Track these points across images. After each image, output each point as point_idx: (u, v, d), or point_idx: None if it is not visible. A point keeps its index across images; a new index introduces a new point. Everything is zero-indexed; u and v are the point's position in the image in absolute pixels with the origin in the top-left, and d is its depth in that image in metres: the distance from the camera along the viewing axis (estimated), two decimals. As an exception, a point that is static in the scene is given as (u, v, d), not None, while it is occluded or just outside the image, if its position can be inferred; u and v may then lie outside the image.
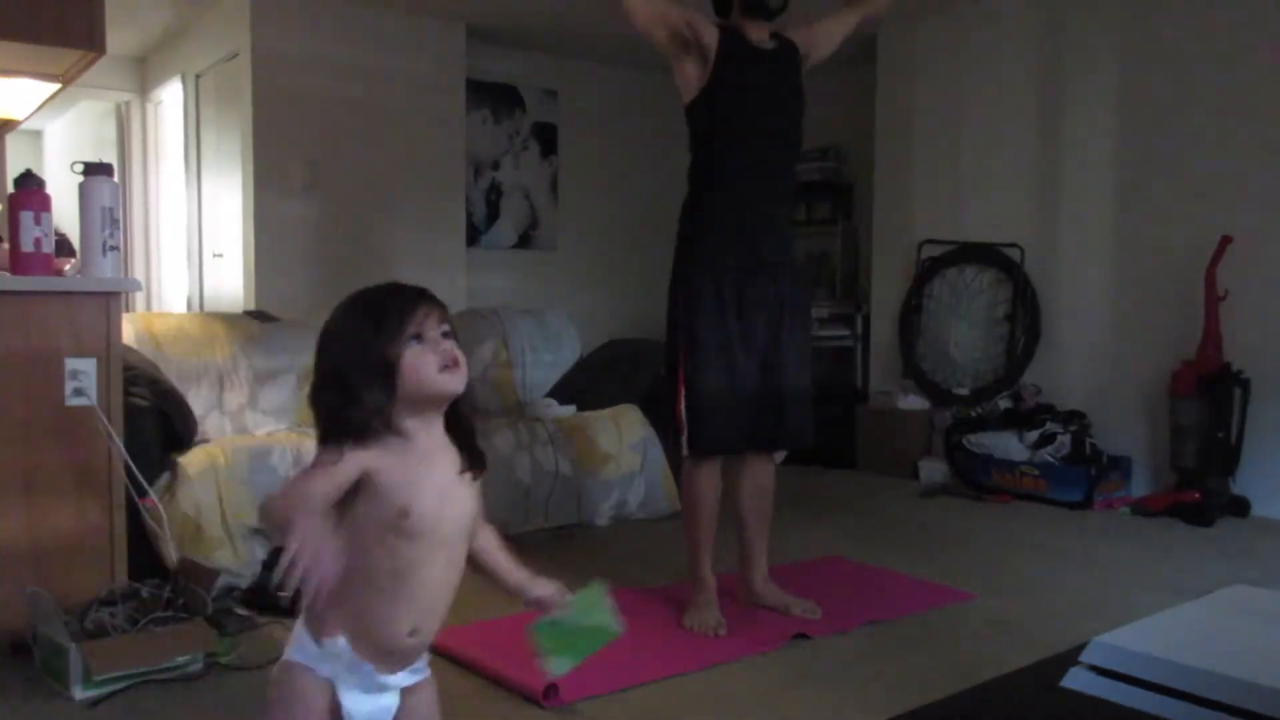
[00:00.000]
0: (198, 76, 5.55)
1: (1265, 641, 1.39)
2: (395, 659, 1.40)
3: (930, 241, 5.30)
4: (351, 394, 1.33)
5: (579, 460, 3.86)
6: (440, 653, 2.41)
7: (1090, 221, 4.72)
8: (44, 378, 2.44)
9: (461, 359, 1.38)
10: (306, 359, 3.72)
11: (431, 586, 1.40)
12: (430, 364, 1.35)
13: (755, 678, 2.34)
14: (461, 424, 1.45)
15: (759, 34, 2.73)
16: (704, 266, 2.69)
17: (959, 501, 4.51)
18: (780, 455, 2.98)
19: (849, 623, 2.69)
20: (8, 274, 2.47)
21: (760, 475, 2.85)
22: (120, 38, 5.51)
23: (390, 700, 1.42)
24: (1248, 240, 4.10)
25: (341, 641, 1.36)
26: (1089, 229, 4.72)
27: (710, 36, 2.66)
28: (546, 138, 6.11)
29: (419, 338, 1.36)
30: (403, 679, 1.42)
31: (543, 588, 1.55)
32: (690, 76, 2.75)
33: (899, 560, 3.40)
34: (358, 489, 1.33)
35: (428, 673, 1.47)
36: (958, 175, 5.23)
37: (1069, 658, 1.38)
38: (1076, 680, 1.34)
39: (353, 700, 1.39)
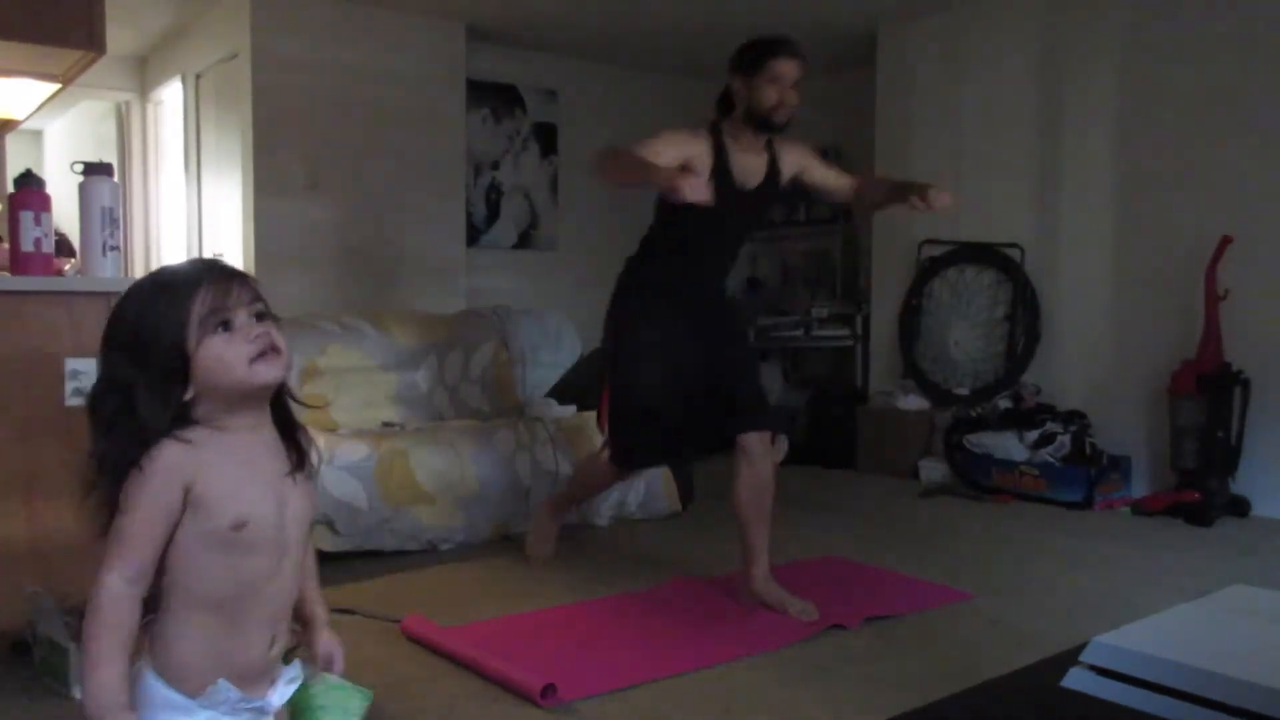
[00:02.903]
0: (198, 76, 5.55)
1: (1265, 641, 1.39)
2: (264, 679, 1.26)
3: (930, 241, 5.30)
4: (134, 398, 1.15)
5: (579, 460, 3.86)
6: (439, 653, 2.41)
7: (1090, 221, 4.72)
8: (44, 378, 2.44)
9: (281, 343, 1.23)
10: (306, 359, 3.73)
11: (282, 595, 1.26)
12: (240, 354, 1.19)
13: (755, 678, 2.34)
14: (283, 417, 1.28)
15: (754, 148, 2.84)
16: (639, 318, 2.94)
17: (959, 501, 4.51)
18: (781, 453, 2.99)
19: (848, 622, 2.68)
20: (8, 274, 2.47)
21: (760, 472, 2.85)
22: (120, 38, 5.51)
23: None
24: (1248, 240, 4.10)
25: (223, 683, 1.19)
26: (1089, 229, 4.72)
27: (699, 168, 2.71)
28: (546, 138, 6.11)
29: (226, 325, 1.19)
30: (282, 695, 1.28)
31: (321, 640, 1.36)
32: None
33: (899, 560, 3.40)
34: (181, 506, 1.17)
35: (298, 671, 1.32)
36: (958, 175, 5.23)
37: (1069, 658, 1.38)
38: (1076, 680, 1.34)
39: None
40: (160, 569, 1.18)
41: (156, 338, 1.18)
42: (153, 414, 1.16)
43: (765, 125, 2.79)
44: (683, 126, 2.80)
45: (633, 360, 2.91)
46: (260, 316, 1.23)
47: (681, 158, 2.68)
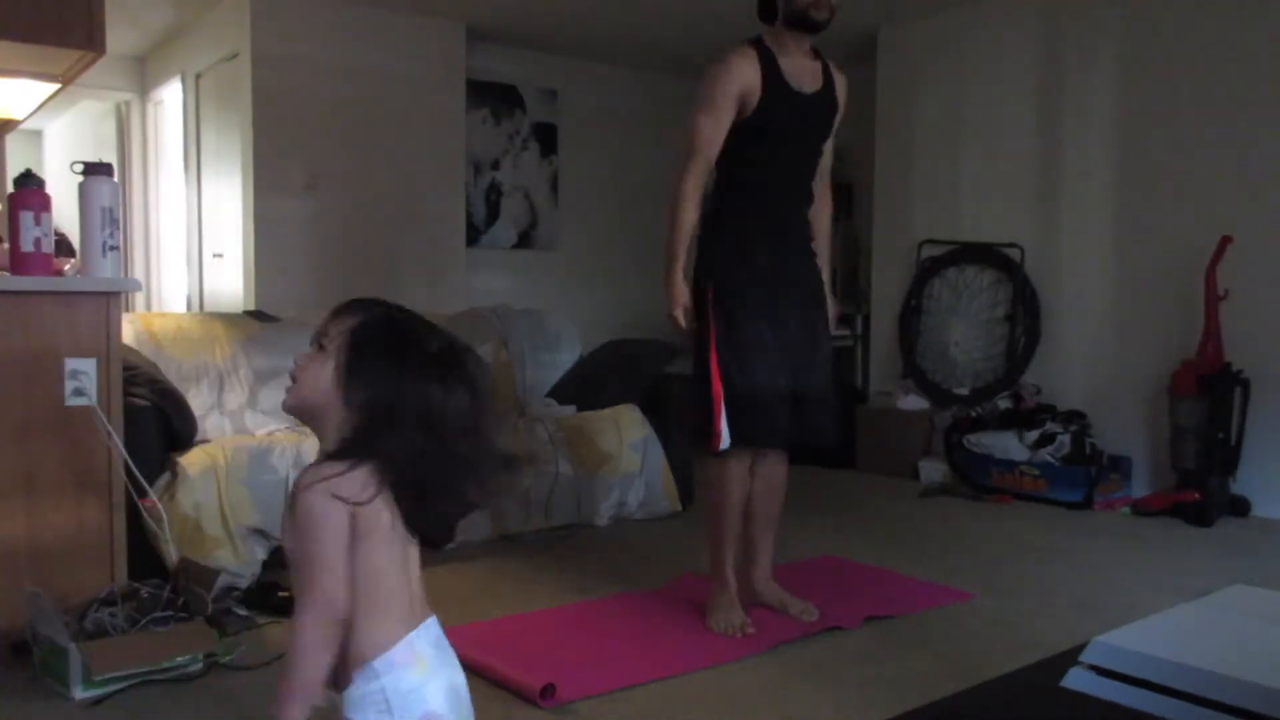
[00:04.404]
0: (198, 76, 5.55)
1: (1265, 641, 1.39)
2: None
3: (930, 241, 5.30)
4: None
5: (579, 460, 3.86)
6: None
7: (1090, 221, 4.72)
8: (44, 378, 2.44)
9: (295, 378, 1.28)
10: (306, 359, 3.73)
11: None
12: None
13: (755, 677, 2.34)
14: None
15: (800, 51, 2.74)
16: (734, 263, 2.71)
17: (959, 501, 4.51)
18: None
19: (848, 622, 2.68)
20: (8, 274, 2.47)
21: (774, 474, 2.85)
22: (120, 38, 5.51)
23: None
24: (1248, 240, 4.10)
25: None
26: (1089, 229, 4.72)
27: (753, 89, 2.66)
28: (546, 138, 6.11)
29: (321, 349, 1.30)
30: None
31: None
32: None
33: (899, 560, 3.40)
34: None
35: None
36: (958, 175, 5.23)
37: (1069, 658, 1.38)
38: (1076, 680, 1.34)
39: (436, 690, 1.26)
40: None
41: None
42: None
43: (805, 23, 2.68)
44: (726, 59, 2.67)
45: (738, 346, 2.68)
46: (321, 347, 1.28)
47: (740, 90, 2.64)
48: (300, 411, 1.29)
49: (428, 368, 1.24)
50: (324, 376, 1.25)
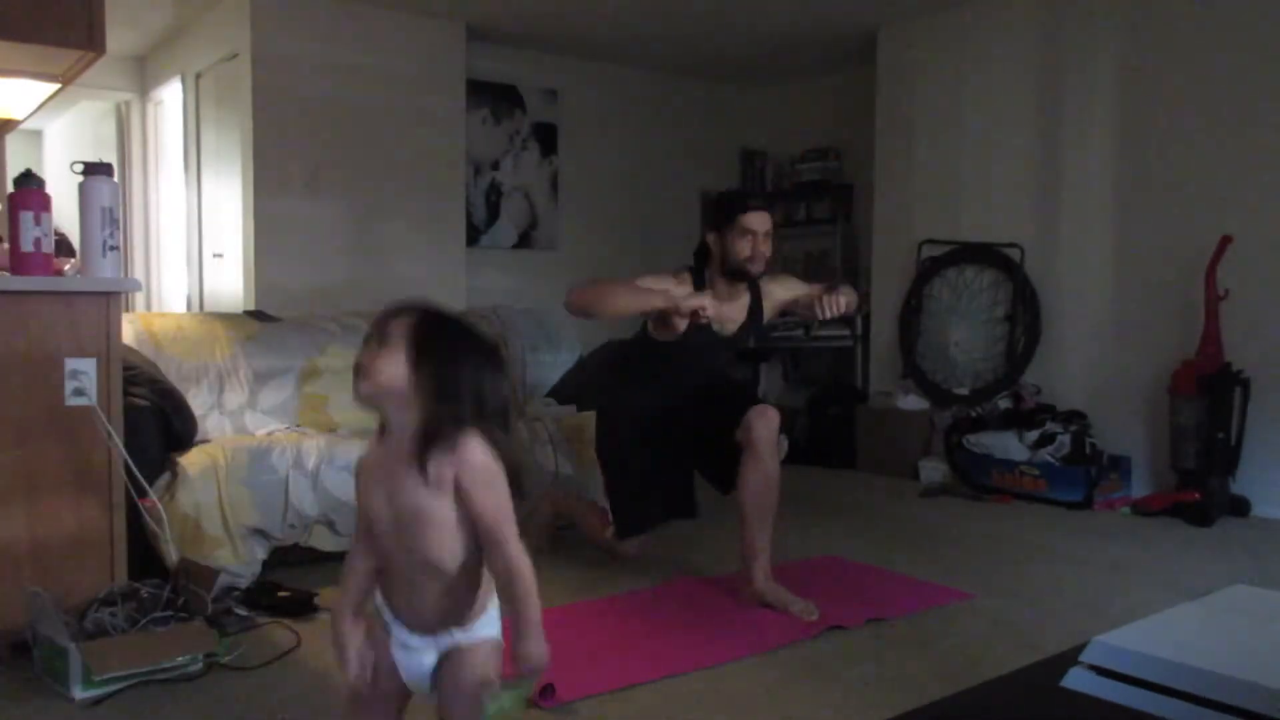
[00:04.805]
0: (198, 76, 5.55)
1: (1265, 641, 1.39)
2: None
3: (930, 241, 5.30)
4: None
5: (579, 460, 3.86)
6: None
7: (1090, 221, 4.72)
8: (44, 378, 2.44)
9: (368, 368, 1.43)
10: (306, 359, 3.73)
11: (408, 571, 1.51)
12: None
13: (755, 677, 2.34)
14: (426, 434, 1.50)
15: (731, 294, 3.00)
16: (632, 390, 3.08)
17: (959, 501, 4.51)
18: (782, 453, 2.99)
19: (849, 622, 2.69)
20: (8, 274, 2.47)
21: (765, 470, 2.86)
22: (120, 38, 5.51)
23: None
24: (1248, 240, 4.10)
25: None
26: (1089, 229, 4.72)
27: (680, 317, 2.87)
28: (546, 138, 6.11)
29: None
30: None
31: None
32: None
33: (899, 560, 3.41)
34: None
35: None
36: (957, 175, 5.23)
37: (1069, 658, 1.37)
38: (1076, 680, 1.34)
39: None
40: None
41: None
42: None
43: (741, 275, 2.96)
44: (665, 271, 3.00)
45: (619, 423, 3.10)
46: (383, 341, 1.44)
47: (668, 301, 2.87)
48: (375, 399, 1.45)
49: (483, 355, 1.47)
50: (396, 366, 1.41)
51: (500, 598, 1.50)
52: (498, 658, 1.54)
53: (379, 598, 1.52)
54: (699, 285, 2.98)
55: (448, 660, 1.49)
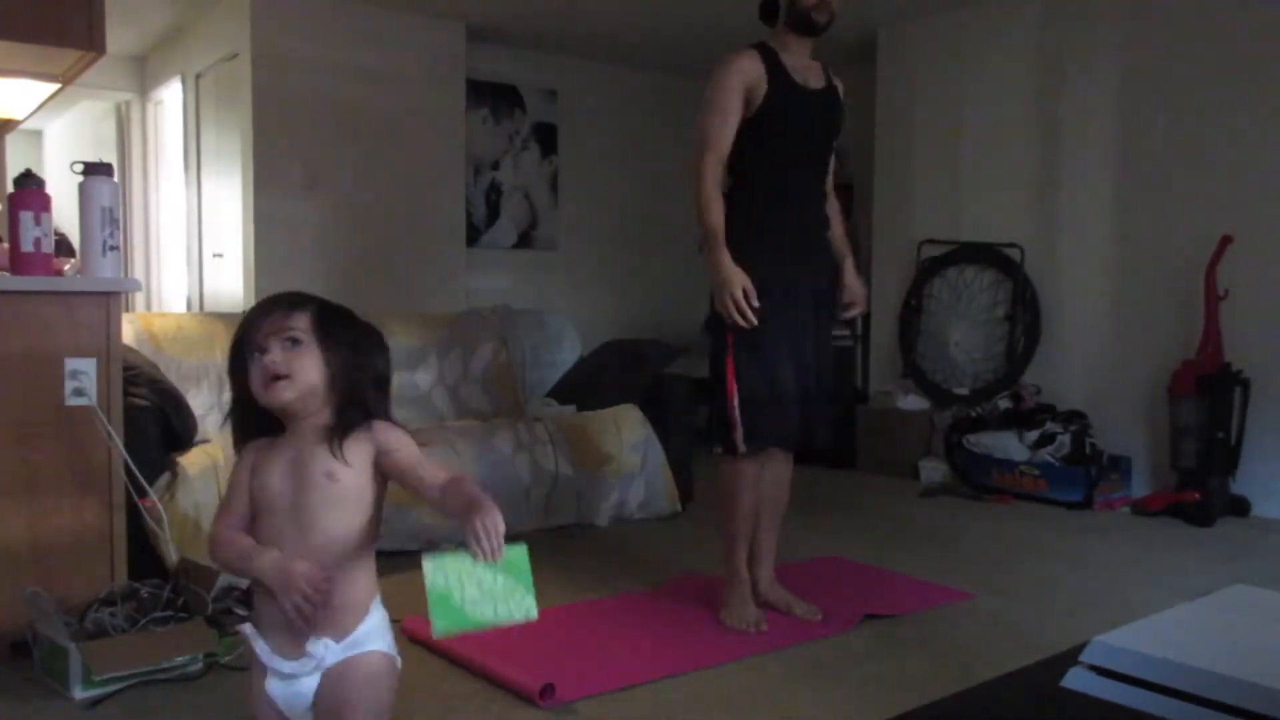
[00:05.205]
0: (198, 76, 5.55)
1: (1265, 641, 1.39)
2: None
3: (930, 241, 5.30)
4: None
5: (579, 460, 3.86)
6: (439, 653, 2.41)
7: (1090, 221, 4.72)
8: (44, 378, 2.44)
9: (286, 370, 1.39)
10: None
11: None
12: (255, 379, 1.41)
13: (755, 677, 2.34)
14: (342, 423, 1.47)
15: (803, 52, 2.75)
16: (749, 267, 2.64)
17: (959, 501, 4.51)
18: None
19: (849, 622, 2.68)
20: (8, 274, 2.47)
21: (780, 475, 2.85)
22: (120, 38, 5.51)
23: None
24: (1248, 240, 4.10)
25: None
26: (1089, 229, 4.72)
27: (758, 84, 2.66)
28: (546, 138, 6.11)
29: (262, 350, 1.40)
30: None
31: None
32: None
33: (899, 560, 3.40)
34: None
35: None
36: (958, 175, 5.23)
37: (1069, 658, 1.37)
38: (1076, 680, 1.34)
39: None
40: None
41: (229, 364, 1.48)
42: (233, 424, 1.50)
43: (807, 25, 2.71)
44: (729, 58, 2.68)
45: (754, 345, 2.68)
46: (295, 342, 1.41)
47: (745, 85, 2.65)
48: (301, 401, 1.42)
49: (375, 337, 1.50)
50: (314, 364, 1.41)
51: (447, 507, 1.39)
52: (392, 678, 1.44)
53: (248, 628, 1.42)
54: (767, 51, 2.70)
55: (328, 679, 1.39)
